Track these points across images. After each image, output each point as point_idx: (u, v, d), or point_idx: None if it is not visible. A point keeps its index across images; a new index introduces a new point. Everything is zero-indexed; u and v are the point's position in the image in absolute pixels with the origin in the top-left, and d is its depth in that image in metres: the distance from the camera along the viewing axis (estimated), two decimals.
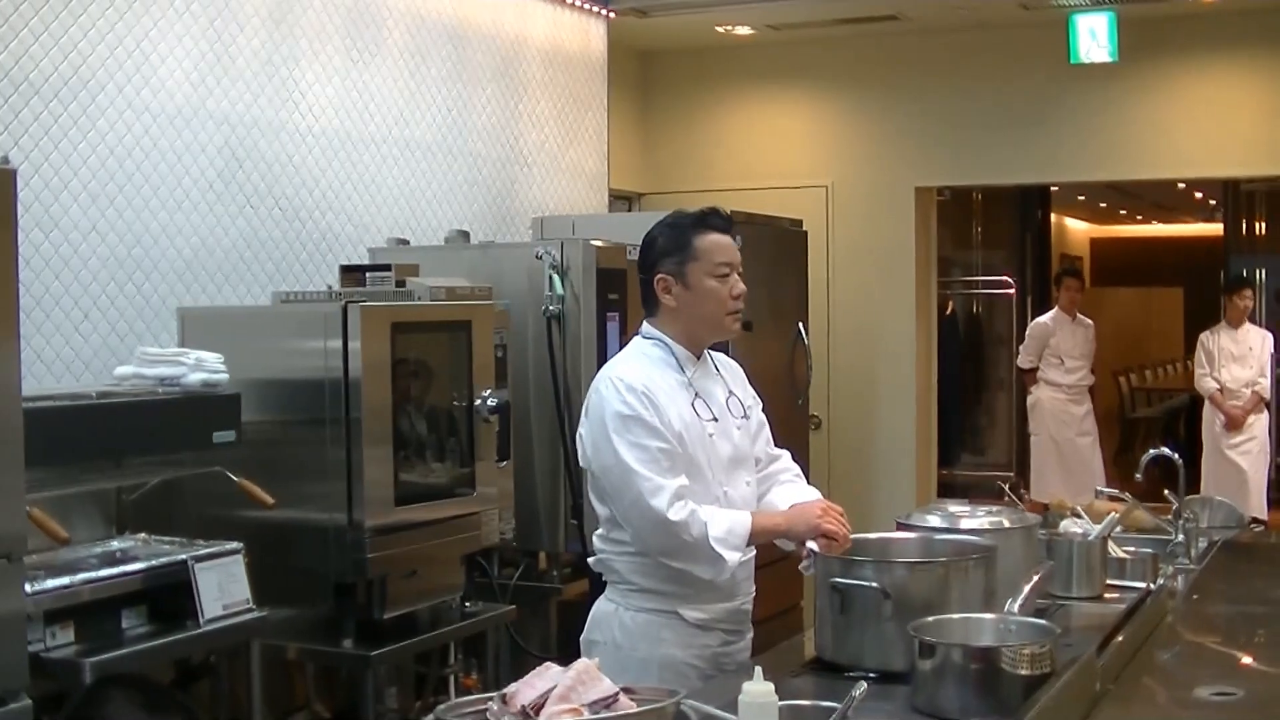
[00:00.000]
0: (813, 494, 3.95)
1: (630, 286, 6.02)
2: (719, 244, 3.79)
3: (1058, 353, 10.95)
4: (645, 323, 3.90)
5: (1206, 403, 10.57)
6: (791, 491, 3.96)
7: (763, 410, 4.05)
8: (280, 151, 5.89)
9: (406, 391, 5.04)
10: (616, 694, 2.63)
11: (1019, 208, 15.43)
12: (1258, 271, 13.84)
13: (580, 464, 3.87)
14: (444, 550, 5.15)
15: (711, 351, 3.96)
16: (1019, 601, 3.33)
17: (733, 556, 3.62)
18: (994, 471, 12.63)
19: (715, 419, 3.82)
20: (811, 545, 3.60)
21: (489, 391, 5.32)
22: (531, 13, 7.59)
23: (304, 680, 5.16)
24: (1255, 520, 8.32)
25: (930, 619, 3.18)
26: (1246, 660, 3.77)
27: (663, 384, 3.74)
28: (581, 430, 3.82)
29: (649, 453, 3.63)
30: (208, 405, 4.61)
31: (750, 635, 3.93)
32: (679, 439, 3.69)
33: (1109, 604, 4.01)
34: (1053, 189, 15.31)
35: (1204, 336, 10.65)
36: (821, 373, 8.88)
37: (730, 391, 3.93)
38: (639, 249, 3.89)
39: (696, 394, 3.80)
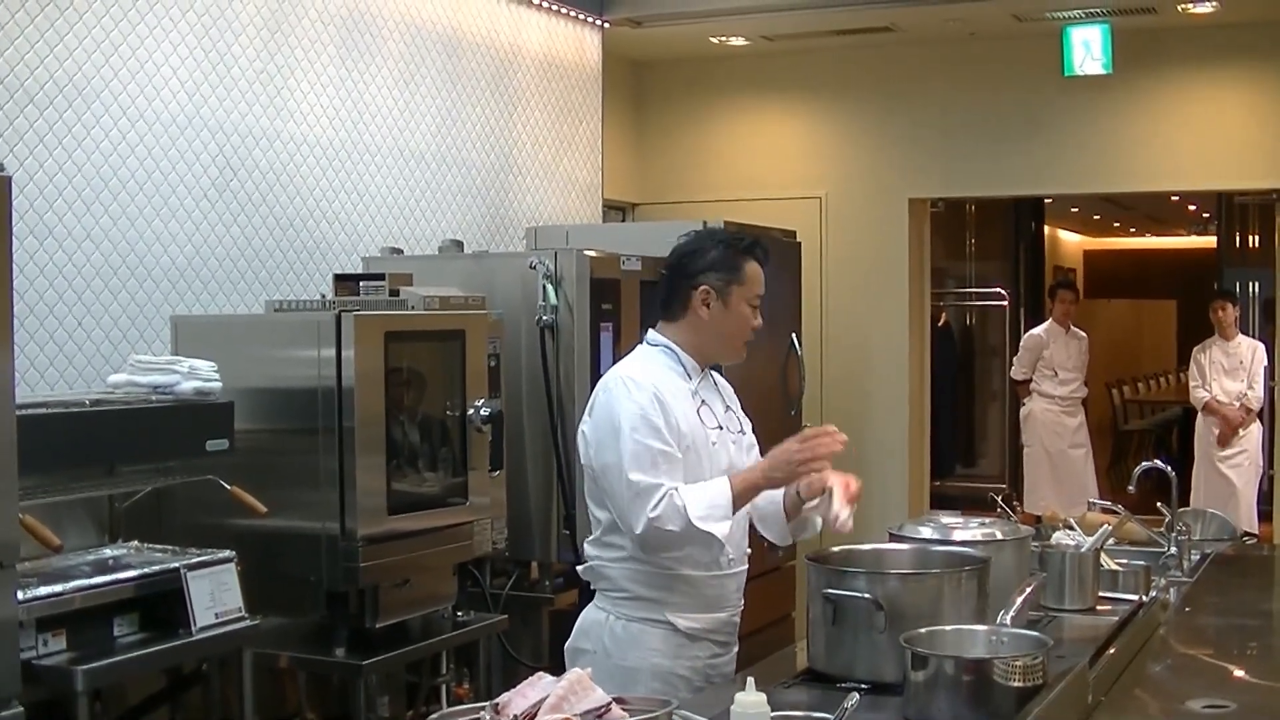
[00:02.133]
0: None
1: (623, 296, 6.03)
2: (760, 277, 3.88)
3: (1051, 364, 10.97)
4: (654, 329, 3.92)
5: (1199, 415, 10.59)
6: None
7: (753, 430, 4.10)
8: (274, 160, 5.89)
9: (399, 401, 5.04)
10: (609, 704, 2.63)
11: (1013, 219, 15.44)
12: (1250, 284, 13.86)
13: (581, 461, 3.88)
14: (436, 559, 5.14)
15: (710, 370, 3.99)
16: (1011, 613, 3.33)
17: (721, 528, 3.62)
18: (987, 483, 12.63)
19: (720, 427, 3.85)
20: (839, 512, 3.67)
21: (482, 401, 5.32)
22: (526, 22, 7.60)
23: (296, 689, 5.16)
24: (1246, 533, 8.33)
25: (923, 630, 3.17)
26: (1239, 673, 3.77)
27: (670, 388, 3.76)
28: (584, 428, 3.83)
29: (650, 453, 3.64)
30: (201, 413, 4.61)
31: (736, 649, 3.94)
32: (685, 442, 3.71)
33: (1101, 616, 4.01)
34: (1046, 201, 15.33)
35: (1197, 350, 10.69)
36: (814, 384, 8.86)
37: (727, 407, 3.96)
38: (681, 253, 3.90)
39: (703, 402, 3.83)
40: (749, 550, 3.96)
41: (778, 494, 3.92)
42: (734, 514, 3.68)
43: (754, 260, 3.86)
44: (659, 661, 3.74)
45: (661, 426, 3.67)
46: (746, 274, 3.84)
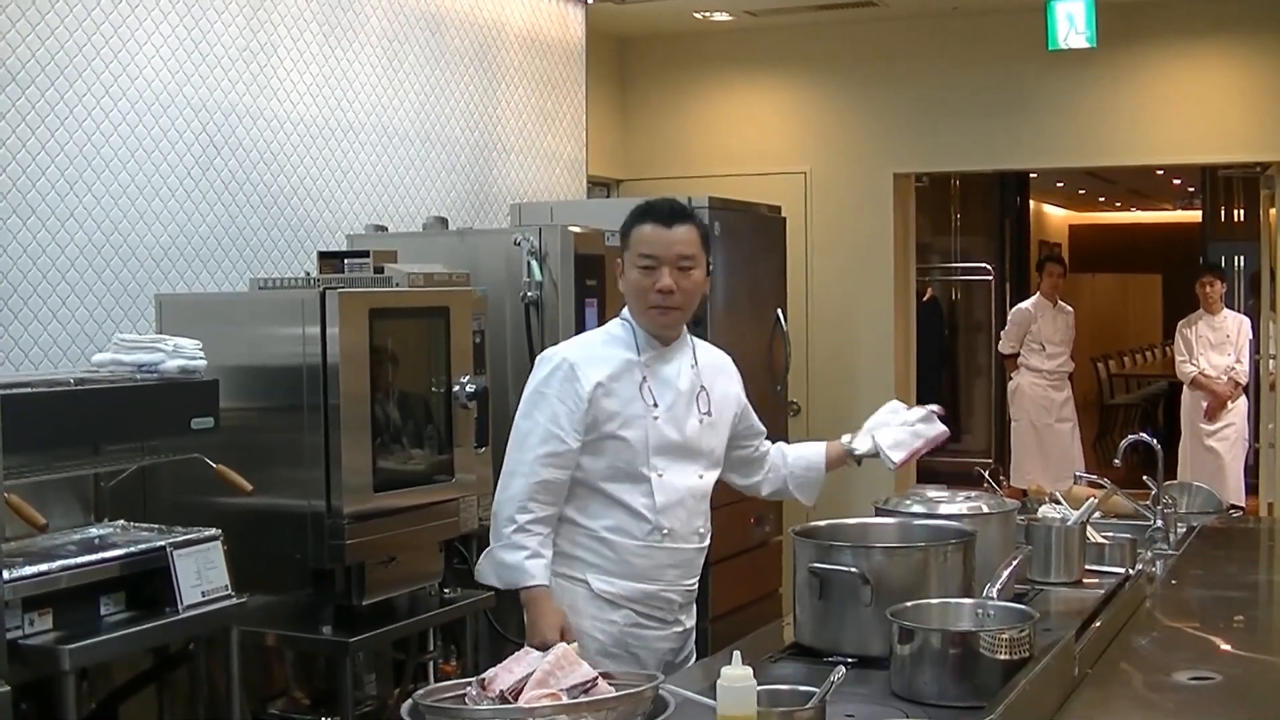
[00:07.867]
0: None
1: (608, 272, 6.03)
2: (647, 236, 3.84)
3: (1039, 339, 11.00)
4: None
5: (1185, 389, 10.61)
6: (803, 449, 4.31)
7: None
8: (258, 138, 5.87)
9: (384, 378, 5.03)
10: (595, 679, 2.64)
11: (997, 194, 15.45)
12: (1236, 258, 13.89)
13: None
14: (422, 537, 5.14)
15: (700, 344, 3.99)
16: (997, 586, 3.34)
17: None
18: (973, 458, 12.65)
19: (656, 404, 3.84)
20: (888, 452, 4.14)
21: (467, 378, 5.31)
22: None
23: (283, 667, 5.16)
24: (1233, 506, 8.36)
25: (909, 604, 3.18)
26: (1224, 645, 3.78)
27: (604, 356, 3.84)
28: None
29: (539, 430, 3.82)
30: (186, 392, 4.59)
31: (682, 629, 3.97)
32: (606, 413, 3.79)
33: (1087, 589, 4.02)
34: (1031, 175, 15.34)
35: (1182, 324, 10.71)
36: (800, 359, 8.88)
37: (701, 386, 3.94)
38: None
39: (644, 378, 3.83)
40: (703, 530, 3.97)
41: (817, 457, 4.25)
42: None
43: (644, 222, 3.85)
44: (572, 620, 3.82)
45: (558, 407, 3.82)
46: (633, 238, 3.86)
